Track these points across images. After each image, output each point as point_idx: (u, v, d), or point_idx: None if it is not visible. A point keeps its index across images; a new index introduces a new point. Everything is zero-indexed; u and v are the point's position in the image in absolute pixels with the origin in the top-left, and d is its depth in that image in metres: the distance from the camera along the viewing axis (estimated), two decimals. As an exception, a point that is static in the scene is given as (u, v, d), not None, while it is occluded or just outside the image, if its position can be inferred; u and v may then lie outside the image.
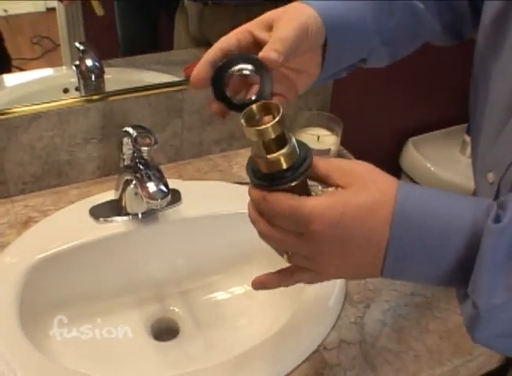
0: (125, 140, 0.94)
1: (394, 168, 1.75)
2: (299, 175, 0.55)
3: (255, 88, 0.61)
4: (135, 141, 0.90)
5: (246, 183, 1.11)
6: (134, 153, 0.93)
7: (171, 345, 0.99)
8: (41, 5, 1.12)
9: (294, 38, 0.61)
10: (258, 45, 0.63)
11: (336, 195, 0.55)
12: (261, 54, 0.59)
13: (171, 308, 1.04)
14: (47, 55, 1.13)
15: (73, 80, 1.12)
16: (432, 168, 1.62)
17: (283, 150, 0.54)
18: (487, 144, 0.79)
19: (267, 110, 0.56)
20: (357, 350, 0.84)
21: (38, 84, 1.14)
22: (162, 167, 1.14)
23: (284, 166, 0.55)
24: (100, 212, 1.01)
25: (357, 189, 0.55)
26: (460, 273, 0.54)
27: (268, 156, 0.54)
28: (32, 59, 1.13)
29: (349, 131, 1.27)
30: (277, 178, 0.55)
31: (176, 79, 1.18)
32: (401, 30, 0.78)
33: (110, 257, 1.00)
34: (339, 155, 1.25)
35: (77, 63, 1.12)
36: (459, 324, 0.90)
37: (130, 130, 0.92)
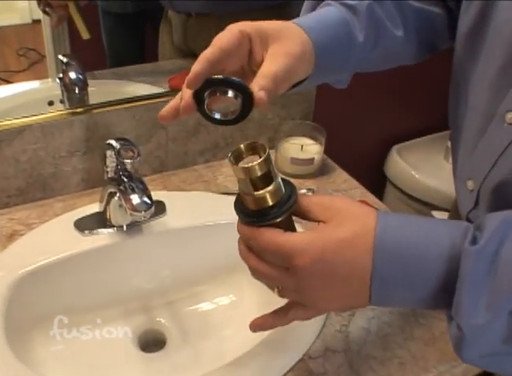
0: (109, 153, 0.94)
1: (378, 175, 1.76)
2: (284, 211, 0.58)
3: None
4: (118, 154, 0.91)
5: (231, 193, 1.13)
6: (117, 165, 0.93)
7: (158, 357, 0.99)
8: (26, 17, 1.12)
9: (286, 72, 0.63)
10: (250, 54, 0.65)
11: (317, 230, 0.58)
12: (253, 89, 0.60)
13: (158, 319, 1.04)
14: (33, 67, 1.14)
15: (58, 92, 1.13)
16: (417, 176, 1.64)
17: (269, 188, 0.57)
18: (466, 151, 0.80)
19: (254, 149, 0.58)
20: (342, 358, 0.85)
21: (24, 97, 1.14)
22: (147, 178, 1.16)
23: (270, 203, 0.57)
24: (85, 225, 1.01)
25: (337, 224, 0.57)
26: (444, 297, 0.55)
27: (255, 193, 0.57)
28: (18, 71, 1.14)
29: (333, 139, 1.28)
30: (263, 214, 0.58)
31: (160, 90, 1.19)
32: (381, 57, 0.82)
33: (96, 269, 0.99)
34: (323, 164, 1.26)
35: (61, 75, 1.12)
36: (443, 331, 0.90)
37: (113, 143, 0.92)
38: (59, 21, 1.11)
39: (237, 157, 0.58)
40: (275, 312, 0.65)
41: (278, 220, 0.58)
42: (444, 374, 0.85)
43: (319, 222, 0.59)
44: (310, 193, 1.17)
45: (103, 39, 1.22)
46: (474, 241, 0.54)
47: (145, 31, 1.29)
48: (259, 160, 0.55)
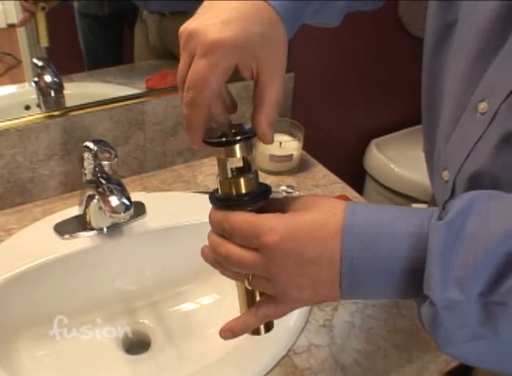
0: (86, 155, 0.93)
1: (358, 170, 1.76)
2: (257, 200, 0.59)
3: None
4: (95, 156, 0.90)
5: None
6: (95, 167, 0.92)
7: (143, 358, 0.98)
8: (1, 22, 1.11)
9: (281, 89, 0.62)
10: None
11: (285, 214, 0.58)
12: (257, 133, 0.61)
13: (142, 320, 1.03)
14: (10, 71, 1.12)
15: (35, 96, 1.12)
16: (396, 169, 1.64)
17: (246, 174, 0.59)
18: (441, 142, 0.81)
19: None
20: (326, 353, 0.85)
21: (0, 102, 1.13)
22: (126, 180, 1.15)
23: (244, 190, 0.59)
24: (65, 228, 1.01)
25: (306, 210, 0.58)
26: (415, 279, 0.55)
27: (231, 177, 0.59)
28: None
29: (312, 136, 1.28)
30: (238, 199, 0.59)
31: (136, 91, 1.19)
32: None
33: (77, 273, 0.99)
34: (302, 160, 1.27)
35: (36, 79, 1.11)
36: (426, 322, 0.91)
37: (90, 145, 0.92)
38: (22, 22, 1.10)
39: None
40: (245, 314, 0.65)
41: (249, 208, 0.59)
42: (428, 363, 0.86)
43: None
44: (290, 190, 1.18)
45: (80, 41, 1.21)
46: (441, 218, 0.54)
47: (122, 33, 1.28)
48: (240, 143, 0.57)
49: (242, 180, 0.58)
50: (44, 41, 1.11)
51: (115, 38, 1.29)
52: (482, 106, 0.70)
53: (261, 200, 0.60)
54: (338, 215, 0.56)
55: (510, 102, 0.67)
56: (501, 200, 0.55)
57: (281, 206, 0.61)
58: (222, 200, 0.60)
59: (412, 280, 0.55)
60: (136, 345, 1.01)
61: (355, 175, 1.74)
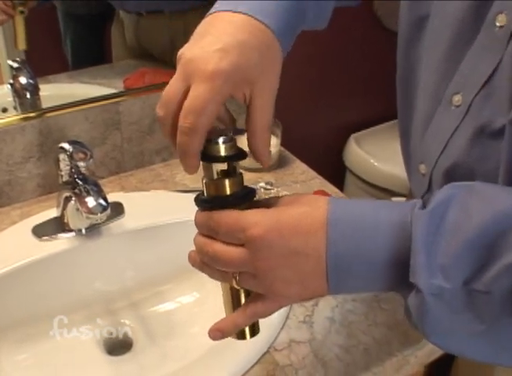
0: (62, 156, 0.93)
1: (338, 165, 1.77)
2: (241, 201, 0.60)
3: None
4: (71, 157, 0.90)
5: (189, 191, 1.13)
6: (71, 168, 0.92)
7: (125, 359, 0.98)
8: None
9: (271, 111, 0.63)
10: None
11: (269, 208, 0.59)
12: (255, 156, 0.62)
13: (123, 321, 1.03)
14: None
15: (11, 99, 1.11)
16: (375, 163, 1.65)
17: (231, 177, 0.59)
18: (417, 136, 0.81)
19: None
20: (307, 349, 0.85)
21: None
22: (104, 180, 1.15)
23: (228, 191, 0.59)
24: (43, 231, 1.00)
25: (288, 205, 0.59)
26: (401, 269, 0.55)
27: (216, 178, 0.60)
28: None
29: (291, 132, 1.29)
30: (223, 200, 0.60)
31: (113, 91, 1.18)
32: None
33: (56, 274, 0.98)
34: (281, 156, 1.27)
35: (11, 81, 1.11)
36: (406, 315, 0.91)
37: (65, 146, 0.91)
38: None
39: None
40: (233, 313, 0.65)
41: (235, 208, 0.59)
42: (408, 356, 0.87)
43: None
44: (268, 187, 1.18)
45: (65, 42, 1.21)
46: (424, 207, 0.55)
47: (104, 32, 1.28)
48: (225, 142, 0.58)
49: (227, 182, 0.59)
50: (21, 45, 1.11)
51: (98, 38, 1.29)
52: (457, 98, 0.71)
53: (246, 201, 0.60)
54: (322, 209, 0.57)
55: (484, 94, 0.67)
56: (482, 190, 0.55)
57: (265, 206, 0.61)
58: (207, 202, 0.61)
59: (398, 270, 0.56)
60: (118, 345, 1.00)
61: (335, 170, 1.75)
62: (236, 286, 0.62)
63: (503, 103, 0.64)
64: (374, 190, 1.68)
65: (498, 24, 0.64)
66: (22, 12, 1.08)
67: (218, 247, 0.60)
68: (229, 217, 0.58)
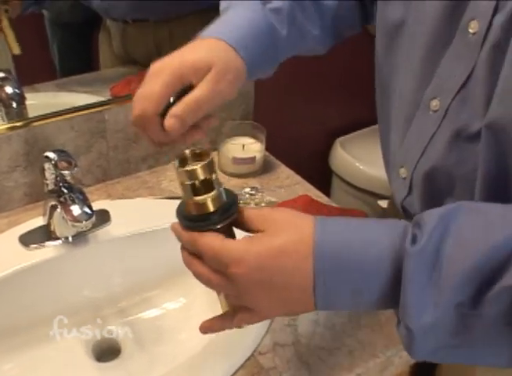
0: (47, 165, 0.94)
1: (324, 169, 1.78)
2: (224, 218, 0.60)
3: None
4: (55, 166, 0.91)
5: (175, 197, 1.14)
6: (57, 177, 0.93)
7: (113, 366, 0.99)
8: None
9: (217, 98, 0.71)
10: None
11: (254, 238, 0.59)
12: (165, 122, 0.70)
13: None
14: None
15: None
16: (361, 167, 1.67)
17: (211, 194, 0.59)
18: (397, 140, 0.83)
19: (199, 156, 0.61)
20: (291, 352, 0.86)
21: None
22: (91, 188, 1.16)
23: (211, 209, 0.60)
24: (30, 239, 1.01)
25: (273, 233, 0.59)
26: (393, 296, 0.57)
27: (196, 198, 0.59)
28: None
29: (276, 137, 1.30)
30: (203, 219, 0.60)
31: (100, 99, 1.19)
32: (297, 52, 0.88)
33: (44, 282, 0.99)
34: (265, 161, 1.28)
35: (-3, 91, 1.12)
36: (389, 316, 0.92)
37: (50, 155, 0.92)
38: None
39: (182, 162, 0.61)
40: (223, 317, 0.67)
41: (218, 227, 0.60)
42: (392, 357, 0.88)
43: (257, 232, 0.60)
44: (253, 192, 1.19)
45: (53, 50, 1.22)
46: (414, 240, 0.55)
47: (91, 40, 1.29)
48: (202, 164, 0.58)
49: (207, 200, 0.59)
50: (15, 49, 1.11)
51: (85, 46, 1.30)
52: (434, 103, 0.73)
53: (229, 217, 0.61)
54: (307, 240, 0.57)
55: (460, 99, 0.69)
56: (473, 214, 0.56)
57: (247, 221, 0.62)
58: (189, 220, 0.61)
59: (390, 299, 0.57)
60: (106, 352, 1.01)
61: (322, 175, 1.77)
62: (223, 299, 0.64)
63: (479, 107, 0.66)
64: (360, 193, 1.69)
65: (471, 31, 0.66)
66: (6, 11, 1.08)
67: (201, 271, 0.61)
68: (211, 249, 0.59)
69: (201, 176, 0.58)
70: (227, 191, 0.62)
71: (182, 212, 0.62)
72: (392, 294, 0.56)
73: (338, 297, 0.58)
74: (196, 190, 0.59)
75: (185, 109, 0.69)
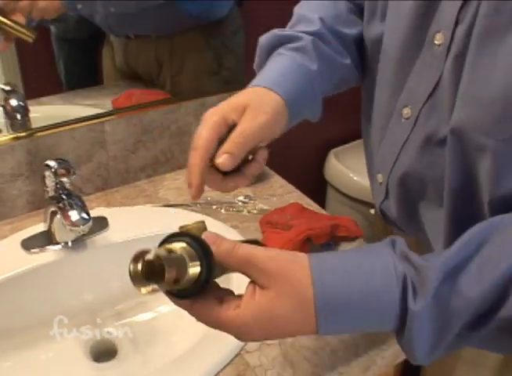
0: (47, 173, 0.98)
1: (319, 180, 1.82)
2: (201, 290, 0.58)
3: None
4: (55, 173, 0.96)
5: (172, 205, 1.18)
6: (56, 184, 0.98)
7: (110, 366, 1.03)
8: None
9: (260, 129, 0.72)
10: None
11: (252, 304, 0.59)
12: (216, 160, 0.70)
13: (108, 329, 1.08)
14: None
15: (3, 120, 1.17)
16: (355, 178, 1.70)
17: (189, 268, 0.56)
18: (374, 148, 0.88)
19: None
20: (277, 351, 0.90)
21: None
22: (91, 196, 1.21)
23: (193, 280, 0.57)
24: (31, 244, 1.06)
25: (272, 297, 0.58)
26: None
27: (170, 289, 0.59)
28: None
29: (272, 148, 1.33)
30: (185, 292, 0.59)
31: (100, 111, 1.24)
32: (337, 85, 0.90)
33: (44, 285, 1.04)
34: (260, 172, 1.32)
35: (3, 103, 1.17)
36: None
37: (51, 163, 0.97)
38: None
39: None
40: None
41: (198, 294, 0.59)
42: (374, 357, 0.91)
43: (254, 283, 0.60)
44: (246, 200, 1.23)
45: (59, 65, 1.27)
46: (415, 295, 0.57)
47: (97, 55, 1.34)
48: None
49: (183, 285, 0.57)
50: (30, 37, 1.14)
51: (90, 61, 1.35)
52: (406, 111, 0.78)
53: (205, 286, 0.58)
54: (308, 305, 0.58)
55: (429, 106, 0.74)
56: (464, 272, 0.59)
57: (240, 271, 0.60)
58: (179, 296, 0.61)
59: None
60: (104, 353, 1.05)
61: (317, 185, 1.81)
62: None
63: (446, 114, 0.71)
64: (354, 203, 1.73)
65: (436, 42, 0.71)
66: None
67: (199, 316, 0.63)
68: (207, 316, 0.61)
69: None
70: (195, 254, 0.57)
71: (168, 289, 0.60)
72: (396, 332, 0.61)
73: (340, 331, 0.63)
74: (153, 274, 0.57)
75: (232, 145, 0.70)
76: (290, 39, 0.83)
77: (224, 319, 0.59)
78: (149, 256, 0.57)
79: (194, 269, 0.56)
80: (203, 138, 0.69)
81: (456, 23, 0.68)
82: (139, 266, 0.58)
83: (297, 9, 0.90)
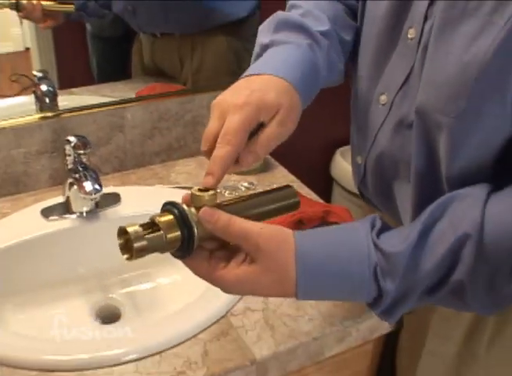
0: (67, 147, 1.10)
1: (325, 177, 1.89)
2: (187, 252, 0.68)
3: None
4: (74, 147, 1.07)
5: (182, 187, 1.28)
6: (75, 158, 1.09)
7: (114, 327, 1.12)
8: (20, 45, 1.27)
9: (285, 137, 0.76)
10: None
11: (239, 272, 0.69)
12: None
13: (113, 295, 1.18)
14: (25, 92, 1.29)
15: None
16: (360, 176, 1.78)
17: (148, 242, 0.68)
18: (355, 132, 0.97)
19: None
20: (260, 315, 0.99)
21: (5, 111, 1.28)
22: (108, 176, 1.31)
23: (169, 249, 0.69)
24: (50, 212, 1.17)
25: (259, 270, 0.68)
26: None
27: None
28: (10, 96, 1.30)
29: (279, 146, 1.42)
30: (178, 252, 0.70)
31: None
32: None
33: (58, 250, 1.15)
34: (265, 162, 1.43)
35: (34, 88, 1.28)
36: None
37: (70, 138, 1.09)
38: (43, 22, 1.26)
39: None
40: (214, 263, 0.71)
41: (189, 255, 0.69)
42: (349, 328, 0.99)
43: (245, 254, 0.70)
44: (249, 186, 1.33)
45: (92, 60, 1.38)
46: (385, 278, 0.69)
47: (128, 52, 1.45)
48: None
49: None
50: (69, 8, 1.26)
51: (121, 57, 1.46)
52: (383, 98, 0.87)
53: (190, 246, 0.67)
54: (290, 286, 0.69)
55: (402, 93, 0.84)
56: (422, 248, 0.70)
57: (234, 243, 0.70)
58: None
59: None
60: (108, 316, 1.15)
61: (323, 182, 1.88)
62: None
63: (415, 99, 0.79)
64: (360, 200, 1.79)
65: (410, 36, 0.81)
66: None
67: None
68: (200, 272, 0.71)
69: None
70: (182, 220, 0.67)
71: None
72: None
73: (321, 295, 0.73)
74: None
75: (260, 147, 0.72)
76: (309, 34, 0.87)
77: (212, 275, 0.70)
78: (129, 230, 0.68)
79: (172, 235, 0.67)
80: (237, 135, 0.70)
81: (425, 19, 0.77)
82: (121, 240, 0.72)
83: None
